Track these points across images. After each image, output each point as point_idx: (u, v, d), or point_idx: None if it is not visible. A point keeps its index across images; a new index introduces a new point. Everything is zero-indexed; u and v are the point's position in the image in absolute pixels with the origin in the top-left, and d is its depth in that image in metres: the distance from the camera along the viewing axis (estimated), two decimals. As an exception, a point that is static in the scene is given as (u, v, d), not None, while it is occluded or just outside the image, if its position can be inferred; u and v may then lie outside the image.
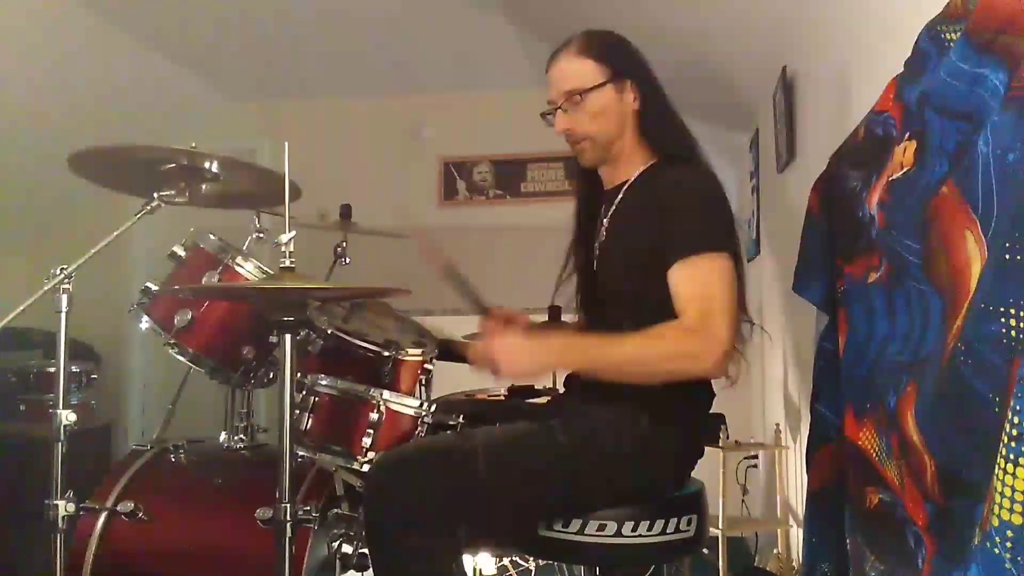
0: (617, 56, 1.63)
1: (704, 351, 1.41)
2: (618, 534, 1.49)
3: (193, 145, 1.77)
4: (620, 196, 1.66)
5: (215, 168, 1.84)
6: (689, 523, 1.54)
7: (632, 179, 1.65)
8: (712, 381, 1.60)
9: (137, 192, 1.85)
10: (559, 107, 1.64)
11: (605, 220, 1.67)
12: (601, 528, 1.49)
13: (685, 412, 1.56)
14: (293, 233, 1.42)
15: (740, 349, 1.53)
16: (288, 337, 1.43)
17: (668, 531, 1.52)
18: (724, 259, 1.47)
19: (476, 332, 1.89)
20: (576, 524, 1.49)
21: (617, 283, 1.64)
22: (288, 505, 1.40)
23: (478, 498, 1.44)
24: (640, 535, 1.49)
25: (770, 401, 3.44)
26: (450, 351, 2.17)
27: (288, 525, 1.40)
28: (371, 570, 1.84)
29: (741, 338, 1.54)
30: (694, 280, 1.45)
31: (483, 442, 1.46)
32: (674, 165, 1.60)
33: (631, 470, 1.51)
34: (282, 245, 1.41)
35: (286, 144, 1.44)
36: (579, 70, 1.62)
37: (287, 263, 1.42)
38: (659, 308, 1.47)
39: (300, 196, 1.90)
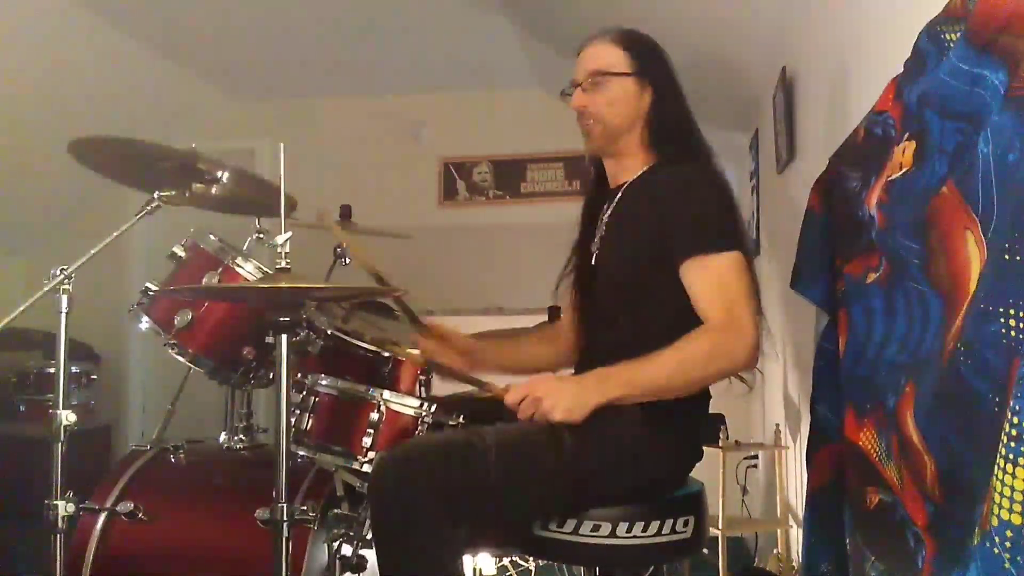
0: (647, 56, 1.68)
1: (738, 346, 1.44)
2: (612, 535, 1.48)
3: (193, 145, 1.77)
4: (620, 194, 1.69)
5: (216, 172, 1.84)
6: (686, 524, 1.53)
7: (634, 178, 1.68)
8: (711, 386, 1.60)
9: (137, 186, 1.85)
10: (579, 85, 1.67)
11: (605, 217, 1.70)
12: (596, 528, 1.48)
13: (682, 412, 1.56)
14: (289, 234, 1.42)
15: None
16: (284, 337, 1.43)
17: (664, 532, 1.51)
18: (737, 256, 1.49)
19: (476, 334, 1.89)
20: (571, 524, 1.49)
21: (615, 278, 1.66)
22: (284, 505, 1.40)
23: (484, 496, 1.44)
24: (635, 536, 1.49)
25: (770, 401, 3.44)
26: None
27: (285, 525, 1.40)
28: (370, 570, 1.84)
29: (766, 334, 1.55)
30: (711, 279, 1.48)
31: (491, 441, 1.45)
32: (679, 164, 1.62)
33: (628, 470, 1.52)
34: (278, 246, 1.41)
35: (281, 146, 1.44)
36: (609, 55, 1.66)
37: (283, 264, 1.42)
38: (657, 303, 1.49)
39: (295, 208, 1.90)
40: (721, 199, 1.56)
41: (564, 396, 1.44)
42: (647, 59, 1.67)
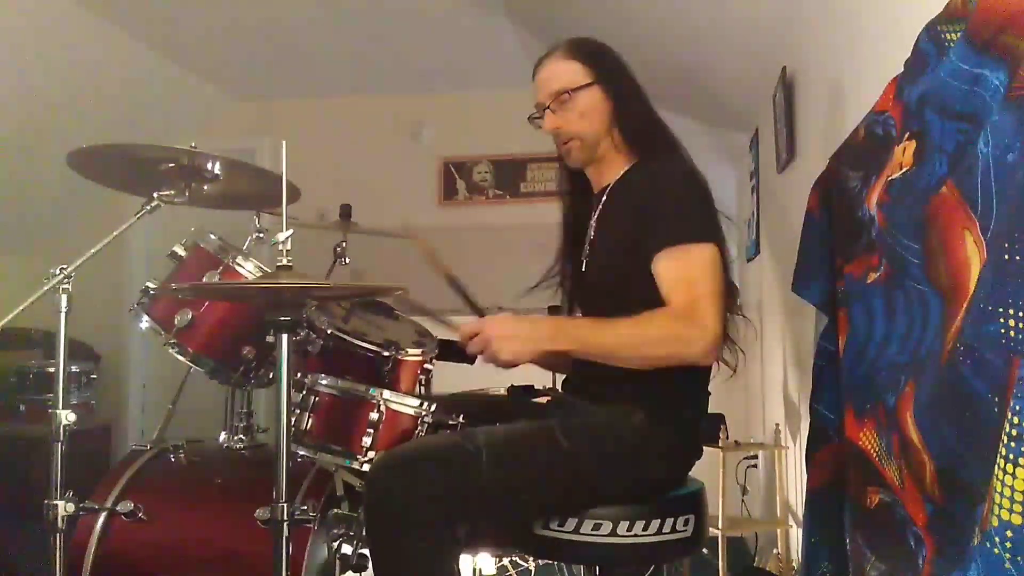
0: (601, 60, 1.69)
1: (694, 336, 1.44)
2: (613, 533, 1.49)
3: (193, 145, 1.77)
4: (604, 198, 1.71)
5: (215, 168, 1.83)
6: (686, 523, 1.54)
7: (615, 181, 1.70)
8: (710, 377, 1.62)
9: (137, 192, 1.85)
10: (547, 107, 1.69)
11: (593, 222, 1.72)
12: (596, 527, 1.49)
13: (680, 411, 1.57)
14: (290, 232, 1.42)
15: (735, 339, 1.58)
16: (284, 337, 1.42)
17: (664, 531, 1.51)
18: (707, 248, 1.50)
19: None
20: (572, 523, 1.49)
21: (605, 283, 1.67)
22: (284, 505, 1.40)
23: (479, 498, 1.45)
24: (635, 535, 1.49)
25: (770, 401, 3.44)
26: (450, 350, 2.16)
27: (285, 525, 1.40)
28: (371, 570, 1.84)
29: (735, 327, 1.58)
30: (678, 269, 1.49)
31: (484, 443, 1.46)
32: (652, 160, 1.64)
33: (627, 469, 1.52)
34: (279, 244, 1.41)
35: (283, 143, 1.44)
36: (567, 71, 1.68)
37: (284, 262, 1.42)
38: (648, 306, 1.49)
39: (299, 198, 1.89)
40: (693, 191, 1.57)
41: (513, 341, 1.47)
42: (602, 64, 1.69)
